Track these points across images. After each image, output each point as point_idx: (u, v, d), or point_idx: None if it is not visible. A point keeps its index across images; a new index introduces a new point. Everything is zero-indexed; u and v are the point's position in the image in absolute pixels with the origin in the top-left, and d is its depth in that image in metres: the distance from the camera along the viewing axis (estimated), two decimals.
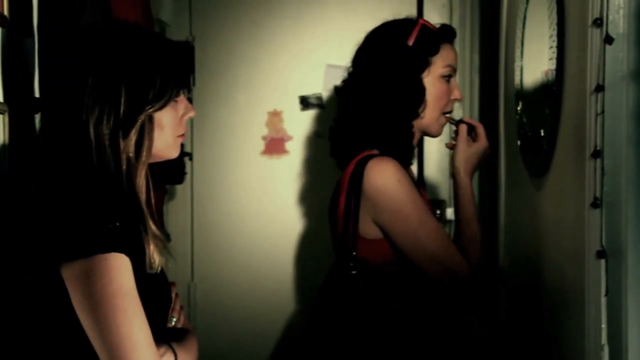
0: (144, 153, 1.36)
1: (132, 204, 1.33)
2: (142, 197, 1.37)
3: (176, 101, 1.41)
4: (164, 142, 1.41)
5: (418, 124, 1.96)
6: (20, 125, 1.62)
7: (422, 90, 1.93)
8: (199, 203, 3.30)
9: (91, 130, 1.31)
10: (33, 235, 1.28)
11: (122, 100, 1.32)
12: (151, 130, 1.36)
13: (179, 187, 3.26)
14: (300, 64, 3.23)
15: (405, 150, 1.96)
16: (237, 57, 3.26)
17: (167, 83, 1.37)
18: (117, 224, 1.25)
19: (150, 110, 1.35)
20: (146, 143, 1.36)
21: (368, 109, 1.93)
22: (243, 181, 3.29)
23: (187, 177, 3.24)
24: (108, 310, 1.22)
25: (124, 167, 1.33)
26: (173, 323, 1.50)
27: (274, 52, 3.25)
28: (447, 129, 2.17)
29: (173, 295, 1.52)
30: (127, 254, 1.25)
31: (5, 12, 1.57)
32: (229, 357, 3.20)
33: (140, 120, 1.34)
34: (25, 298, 1.31)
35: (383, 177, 1.85)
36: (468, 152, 2.00)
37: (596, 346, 1.62)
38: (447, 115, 2.01)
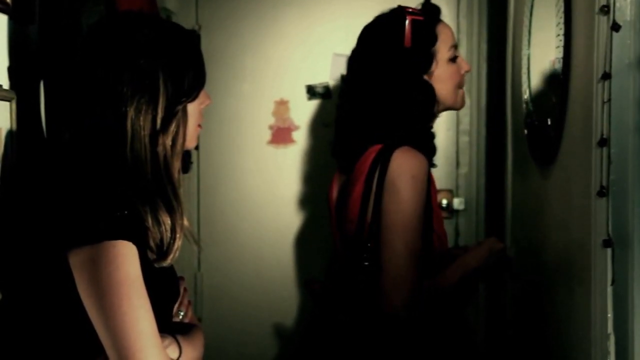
0: (179, 144, 1.37)
1: (171, 196, 1.34)
2: (181, 190, 1.38)
3: None
4: (189, 133, 1.41)
5: (440, 105, 1.98)
6: (27, 113, 1.62)
7: (431, 90, 1.94)
8: (206, 192, 3.30)
9: (128, 122, 1.31)
10: (41, 221, 1.29)
11: (161, 91, 1.33)
12: (185, 121, 1.37)
13: (185, 177, 3.24)
14: (307, 53, 3.22)
15: (427, 141, 1.98)
16: (244, 46, 3.25)
17: (199, 73, 1.40)
18: (126, 212, 1.25)
19: (187, 101, 1.37)
20: (181, 134, 1.37)
21: (383, 119, 1.92)
22: (249, 171, 3.28)
23: (194, 166, 3.24)
24: (114, 297, 1.21)
25: (162, 159, 1.34)
26: (180, 317, 1.50)
27: (280, 41, 3.24)
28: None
29: (181, 290, 1.52)
30: (135, 243, 1.25)
31: None
32: (236, 347, 3.20)
33: (179, 112, 1.35)
34: (31, 284, 1.32)
35: (404, 167, 1.82)
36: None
37: (602, 335, 1.61)
38: None
